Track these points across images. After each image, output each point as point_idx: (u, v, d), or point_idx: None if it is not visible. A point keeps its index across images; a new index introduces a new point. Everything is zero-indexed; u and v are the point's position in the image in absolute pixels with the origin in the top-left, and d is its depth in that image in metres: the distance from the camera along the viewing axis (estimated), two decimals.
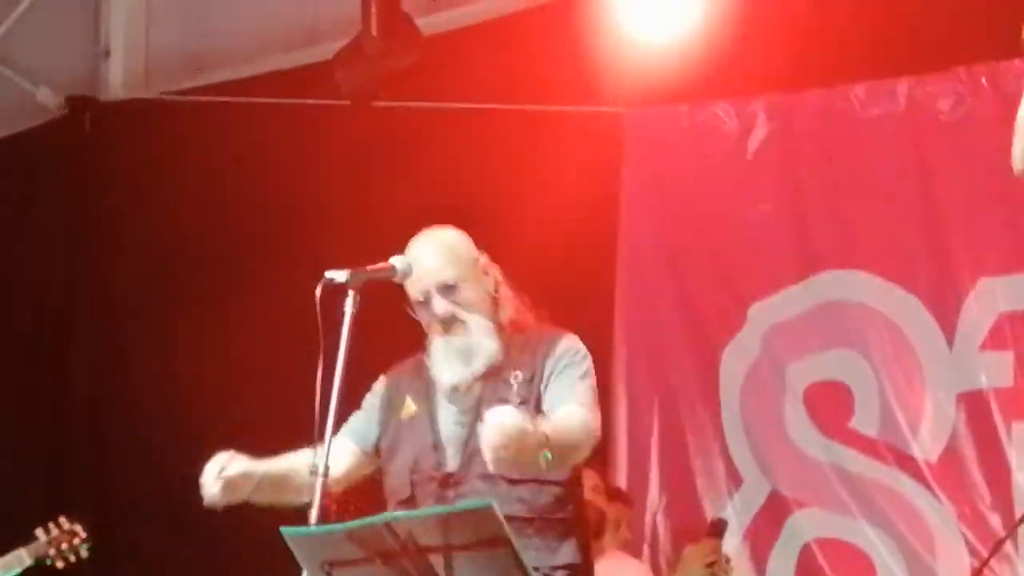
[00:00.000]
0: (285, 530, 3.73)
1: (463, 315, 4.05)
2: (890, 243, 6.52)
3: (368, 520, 3.67)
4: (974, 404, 6.36)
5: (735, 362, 6.80)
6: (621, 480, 6.74)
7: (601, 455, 6.56)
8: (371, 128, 7.05)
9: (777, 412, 6.74)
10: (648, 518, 6.82)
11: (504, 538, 3.47)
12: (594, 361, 4.21)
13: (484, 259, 4.20)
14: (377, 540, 3.57)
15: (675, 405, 6.89)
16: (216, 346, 6.97)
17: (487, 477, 3.91)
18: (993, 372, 6.35)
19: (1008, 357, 6.31)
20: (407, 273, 4.10)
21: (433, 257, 4.08)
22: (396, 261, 4.11)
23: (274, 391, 6.40)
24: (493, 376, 4.07)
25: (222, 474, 3.98)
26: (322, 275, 3.92)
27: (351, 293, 3.92)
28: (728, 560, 6.05)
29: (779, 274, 6.69)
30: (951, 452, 6.40)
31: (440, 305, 4.03)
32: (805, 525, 6.63)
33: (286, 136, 7.24)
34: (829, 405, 6.64)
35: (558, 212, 6.54)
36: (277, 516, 4.02)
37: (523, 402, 4.00)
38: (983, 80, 6.26)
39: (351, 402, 4.10)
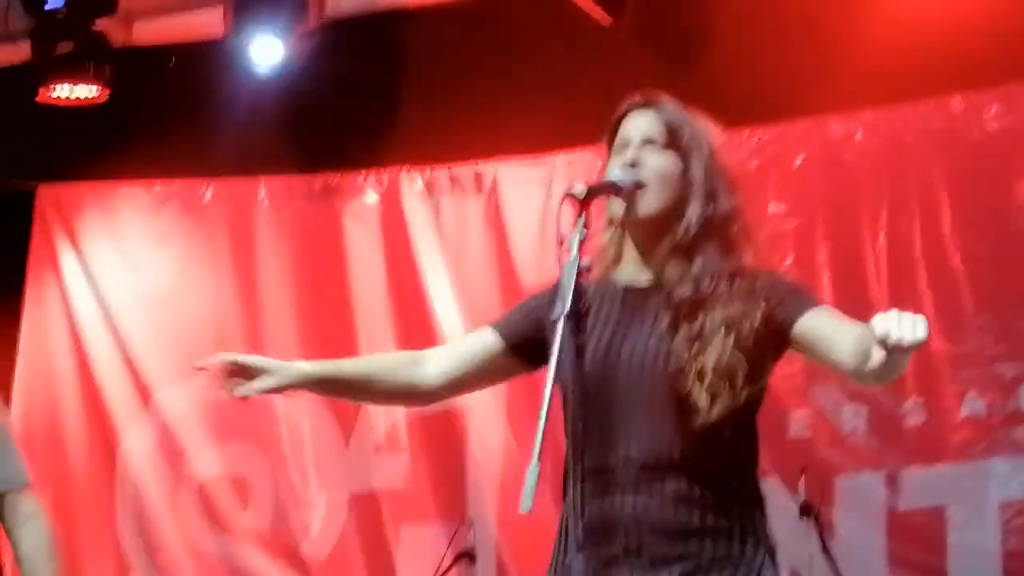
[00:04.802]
0: None
1: None
2: (297, 325, 6.41)
3: None
4: (365, 505, 6.30)
5: (136, 449, 6.50)
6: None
7: None
8: None
9: (175, 504, 6.52)
10: None
11: None
12: None
13: None
14: None
15: (69, 492, 6.48)
16: None
17: None
18: (385, 475, 6.29)
19: (401, 463, 6.28)
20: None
21: None
22: None
23: None
24: None
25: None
26: None
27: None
28: None
29: (195, 359, 6.22)
30: (340, 552, 6.30)
31: None
32: None
33: None
34: (225, 498, 6.46)
35: None
36: None
37: None
38: None
39: None
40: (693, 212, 3.02)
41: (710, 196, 3.05)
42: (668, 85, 3.98)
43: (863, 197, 5.82)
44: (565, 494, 3.01)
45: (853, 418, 5.71)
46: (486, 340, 3.20)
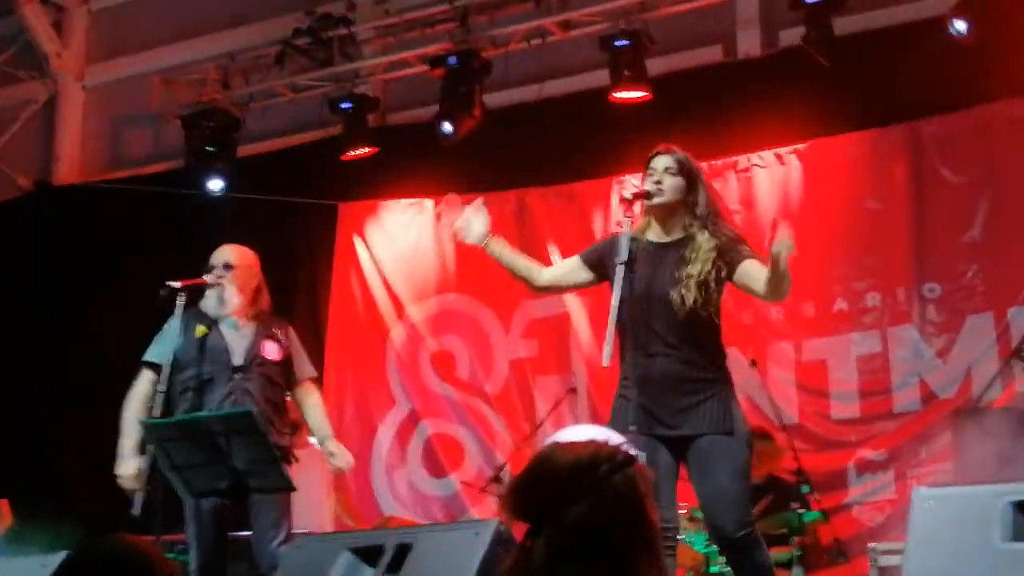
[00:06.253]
0: (142, 420, 4.73)
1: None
2: (477, 277, 7.95)
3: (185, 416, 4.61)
4: (518, 366, 7.97)
5: (396, 339, 8.28)
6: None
7: None
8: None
9: (416, 366, 8.20)
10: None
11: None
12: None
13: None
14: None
15: (360, 363, 8.26)
16: None
17: None
18: (527, 349, 7.96)
19: (535, 342, 7.96)
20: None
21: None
22: None
23: None
24: None
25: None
26: None
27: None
28: None
29: (427, 292, 8.32)
30: (505, 390, 7.97)
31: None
32: (428, 427, 8.12)
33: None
34: (444, 362, 8.16)
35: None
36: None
37: None
38: None
39: None
40: (692, 205, 4.13)
41: (700, 200, 4.14)
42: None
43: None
44: (623, 359, 4.08)
45: (776, 313, 7.14)
46: (575, 261, 4.24)
